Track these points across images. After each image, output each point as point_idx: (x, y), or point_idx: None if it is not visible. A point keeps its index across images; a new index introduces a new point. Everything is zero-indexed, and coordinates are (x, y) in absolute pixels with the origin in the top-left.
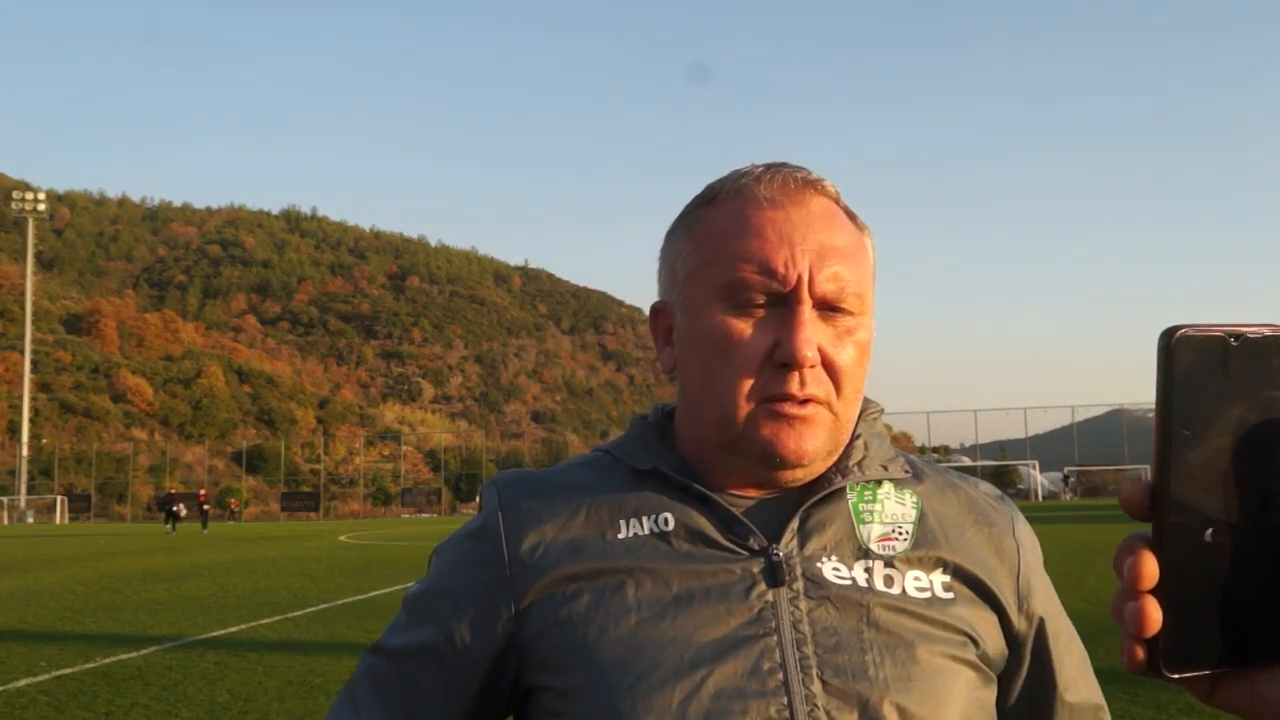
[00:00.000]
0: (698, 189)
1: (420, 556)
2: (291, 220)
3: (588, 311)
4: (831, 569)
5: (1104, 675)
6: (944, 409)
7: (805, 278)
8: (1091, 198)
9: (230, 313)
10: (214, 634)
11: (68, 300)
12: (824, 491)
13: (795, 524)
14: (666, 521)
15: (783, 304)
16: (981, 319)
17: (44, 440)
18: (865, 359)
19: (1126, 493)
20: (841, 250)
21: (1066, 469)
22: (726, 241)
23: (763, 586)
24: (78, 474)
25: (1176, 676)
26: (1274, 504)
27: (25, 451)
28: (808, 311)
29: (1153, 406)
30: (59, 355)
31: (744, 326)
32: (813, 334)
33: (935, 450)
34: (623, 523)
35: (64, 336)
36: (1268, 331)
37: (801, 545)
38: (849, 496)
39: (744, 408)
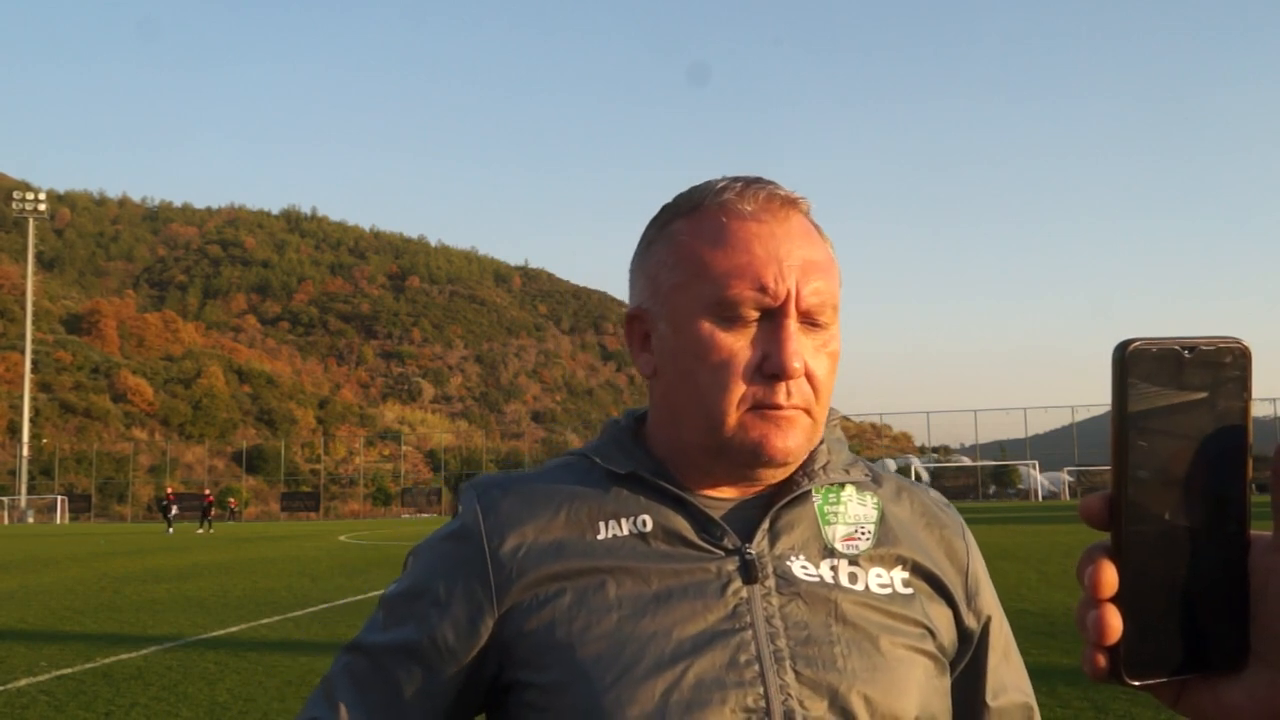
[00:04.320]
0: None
1: None
2: (291, 220)
3: (588, 311)
4: (800, 567)
5: None
6: (944, 409)
7: (793, 293)
8: (1091, 197)
9: (230, 313)
10: (214, 634)
11: (68, 300)
12: (792, 494)
13: (766, 525)
14: (645, 523)
15: (770, 318)
16: (981, 319)
17: (44, 440)
18: (836, 368)
19: (1085, 503)
20: (821, 266)
21: (1067, 469)
22: (714, 256)
23: (738, 583)
24: (78, 474)
25: (1137, 683)
26: (1230, 511)
27: (25, 451)
28: (794, 325)
29: None
30: (59, 355)
31: (733, 340)
32: (799, 347)
33: (935, 450)
34: (602, 524)
35: (64, 336)
36: (1220, 343)
37: (772, 544)
38: (815, 499)
39: (734, 415)
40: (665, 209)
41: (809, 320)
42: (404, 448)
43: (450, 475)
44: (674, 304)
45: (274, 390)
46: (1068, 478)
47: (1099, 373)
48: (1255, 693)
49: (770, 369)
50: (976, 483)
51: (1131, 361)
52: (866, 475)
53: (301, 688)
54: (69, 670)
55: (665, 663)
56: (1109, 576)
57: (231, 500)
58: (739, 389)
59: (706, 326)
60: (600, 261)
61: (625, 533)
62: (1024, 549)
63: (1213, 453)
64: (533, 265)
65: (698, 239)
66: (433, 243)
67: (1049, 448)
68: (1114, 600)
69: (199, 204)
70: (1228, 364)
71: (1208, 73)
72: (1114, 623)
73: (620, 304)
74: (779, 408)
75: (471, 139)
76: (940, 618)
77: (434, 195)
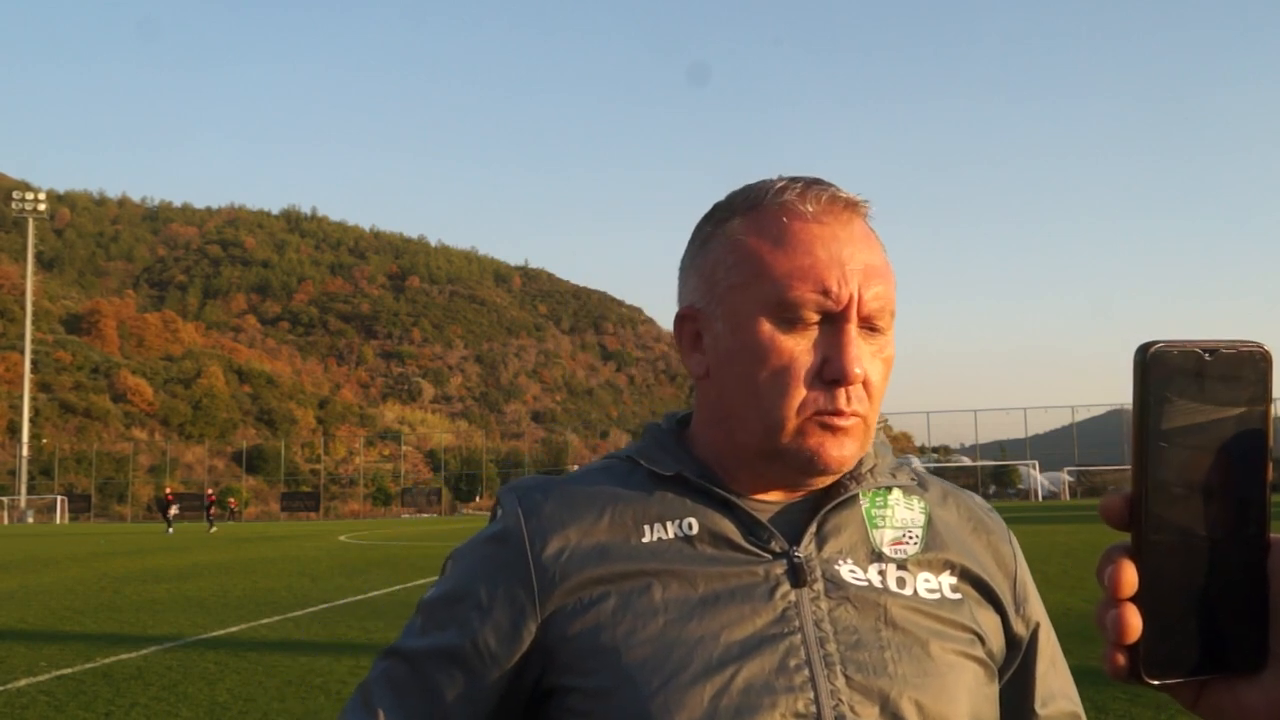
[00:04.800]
0: (698, 188)
1: (421, 556)
2: (291, 220)
3: (588, 311)
4: (848, 571)
5: (1103, 676)
6: (944, 409)
7: (855, 297)
8: (1091, 197)
9: (230, 313)
10: (214, 634)
11: (68, 300)
12: (840, 498)
13: (813, 528)
14: (691, 526)
15: (831, 322)
16: (981, 319)
17: (44, 440)
18: (889, 374)
19: (1105, 503)
20: (880, 271)
21: (1066, 469)
22: (775, 256)
23: (786, 587)
24: (78, 474)
25: (1156, 682)
26: (1250, 515)
27: (25, 451)
28: (854, 330)
29: None
30: (59, 355)
31: (793, 343)
32: (859, 353)
33: (935, 450)
34: (647, 527)
35: (64, 336)
36: (1241, 346)
37: (819, 548)
38: (862, 502)
39: (793, 420)
40: (719, 207)
41: (868, 325)
42: (404, 448)
43: (450, 475)
44: (732, 304)
45: (274, 390)
46: (1068, 478)
47: (1099, 373)
48: (1273, 694)
49: (831, 374)
50: (976, 483)
51: (1153, 364)
52: (913, 479)
53: (301, 688)
54: (69, 670)
55: (713, 667)
56: (1129, 576)
57: (231, 500)
58: (799, 394)
59: (766, 328)
60: (600, 261)
61: (670, 535)
62: (1024, 549)
63: (1233, 455)
64: (533, 265)
65: (758, 238)
66: (433, 243)
67: (1049, 448)
68: (1133, 600)
69: (199, 204)
70: (1248, 367)
71: (1208, 73)
72: (1134, 622)
73: (620, 304)
74: (839, 413)
75: (471, 139)
76: (989, 624)
77: (434, 195)
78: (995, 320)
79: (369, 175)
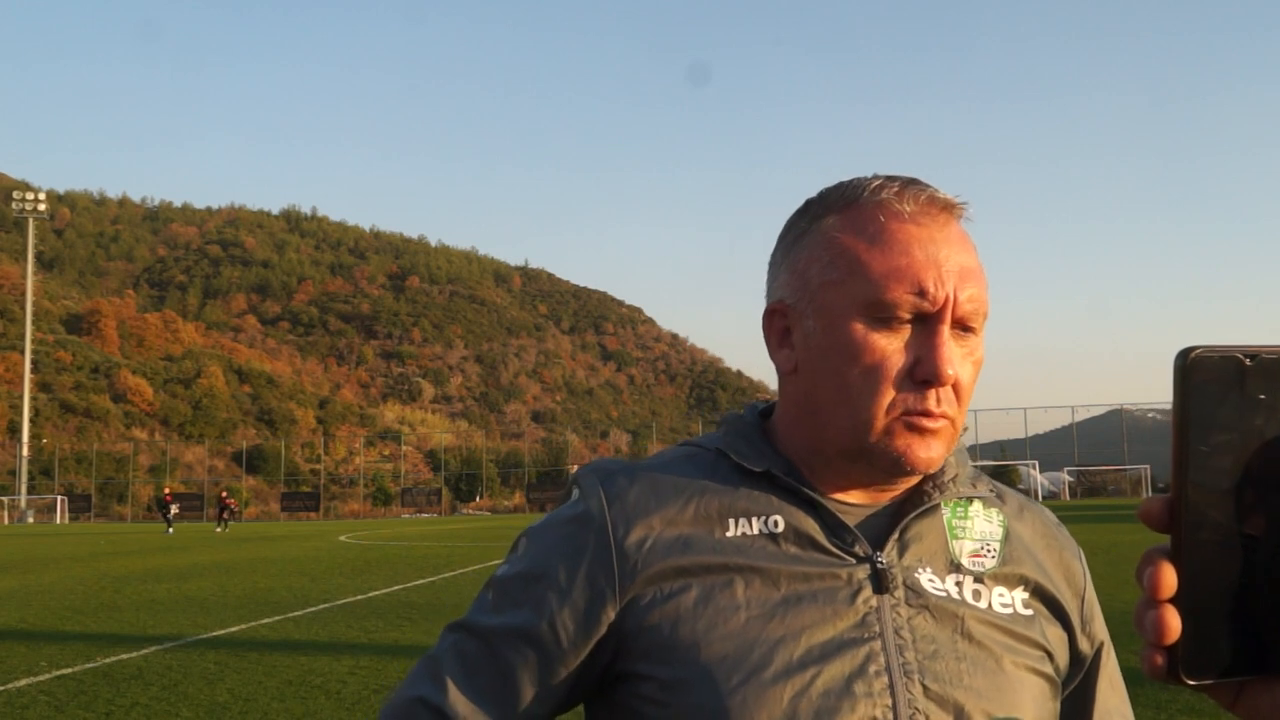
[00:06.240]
0: (698, 188)
1: (420, 556)
2: (291, 220)
3: (588, 311)
4: (927, 580)
5: None
6: None
7: (951, 299)
8: (1091, 198)
9: (230, 313)
10: (214, 634)
11: (68, 300)
12: (923, 506)
13: (896, 535)
14: (776, 524)
15: (924, 323)
16: None
17: (44, 440)
18: (978, 377)
19: (1145, 506)
20: (975, 273)
21: (1066, 469)
22: (871, 256)
23: (868, 592)
24: (78, 474)
25: (1194, 683)
26: None
27: (25, 451)
28: (948, 331)
29: (1153, 406)
30: (59, 355)
31: (886, 342)
32: (951, 354)
33: None
34: (732, 521)
35: (64, 336)
36: None
37: (900, 555)
38: (944, 512)
39: (881, 419)
40: (812, 203)
41: (961, 326)
42: (404, 448)
43: (450, 475)
44: (825, 301)
45: (274, 390)
46: (1068, 478)
47: (1099, 372)
48: None
49: (922, 374)
50: None
51: (1193, 369)
52: (991, 491)
53: (301, 688)
54: (69, 670)
55: (794, 668)
56: (1168, 578)
57: (232, 500)
58: (889, 393)
59: (859, 327)
60: (600, 261)
61: (755, 532)
62: None
63: (1273, 458)
64: (533, 265)
65: (854, 237)
66: (433, 243)
67: (1049, 448)
68: (1172, 601)
69: (199, 204)
70: None
71: (1209, 73)
72: (1173, 623)
73: (620, 304)
74: (929, 414)
75: (471, 139)
76: (1057, 640)
77: (434, 195)
78: (996, 320)
79: (369, 175)
